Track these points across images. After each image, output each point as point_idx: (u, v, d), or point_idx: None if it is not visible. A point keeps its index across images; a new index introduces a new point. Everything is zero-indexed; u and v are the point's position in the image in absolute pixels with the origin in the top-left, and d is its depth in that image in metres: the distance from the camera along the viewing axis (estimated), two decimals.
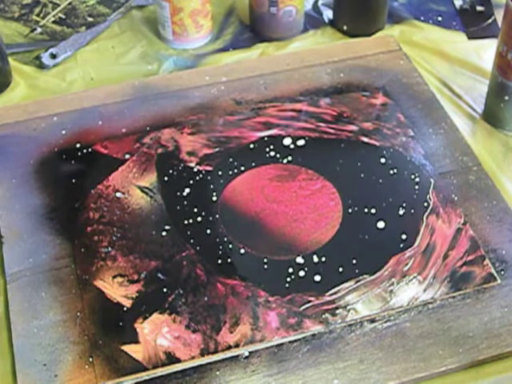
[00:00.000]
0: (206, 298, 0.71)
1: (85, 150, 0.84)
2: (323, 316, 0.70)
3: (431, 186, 0.80)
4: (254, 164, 0.83)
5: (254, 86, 0.92)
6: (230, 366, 0.67)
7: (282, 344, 0.68)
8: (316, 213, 0.78)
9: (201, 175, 0.82)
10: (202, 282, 0.72)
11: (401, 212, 0.78)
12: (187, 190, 0.80)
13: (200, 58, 0.99)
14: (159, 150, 0.84)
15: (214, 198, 0.79)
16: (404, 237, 0.76)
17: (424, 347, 0.68)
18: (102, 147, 0.84)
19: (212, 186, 0.80)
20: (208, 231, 0.76)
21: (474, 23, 1.05)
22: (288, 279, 0.73)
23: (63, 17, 1.05)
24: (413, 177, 0.81)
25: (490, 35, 1.02)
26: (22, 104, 0.91)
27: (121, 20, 1.05)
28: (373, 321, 0.70)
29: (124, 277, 0.73)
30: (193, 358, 0.67)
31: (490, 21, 1.05)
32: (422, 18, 1.05)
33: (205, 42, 1.01)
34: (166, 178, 0.81)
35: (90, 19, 1.05)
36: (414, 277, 0.73)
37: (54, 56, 0.98)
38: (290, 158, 0.83)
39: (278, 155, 0.84)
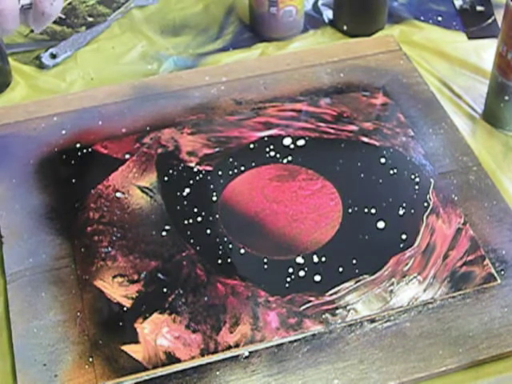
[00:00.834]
0: (206, 298, 0.71)
1: (85, 150, 0.84)
2: (323, 316, 0.70)
3: (431, 186, 0.80)
4: (253, 164, 0.83)
5: (254, 86, 0.92)
6: (230, 366, 0.67)
7: (282, 344, 0.68)
8: (316, 213, 0.78)
9: (201, 175, 0.82)
10: (202, 281, 0.72)
11: (401, 212, 0.78)
12: (187, 190, 0.80)
13: (200, 58, 0.99)
14: (159, 150, 0.84)
15: (214, 198, 0.79)
16: (404, 237, 0.76)
17: (424, 347, 0.68)
18: (101, 147, 0.84)
19: (212, 186, 0.80)
20: (208, 231, 0.76)
21: (474, 23, 1.05)
22: (288, 279, 0.72)
23: (63, 17, 1.05)
24: (413, 177, 0.81)
25: (489, 35, 1.02)
26: (21, 104, 0.91)
27: (121, 20, 1.05)
28: (373, 321, 0.70)
29: (124, 277, 0.73)
30: (193, 358, 0.67)
31: (489, 21, 1.05)
32: (422, 18, 1.05)
33: None
34: (166, 178, 0.81)
35: (90, 19, 1.05)
36: (414, 277, 0.73)
37: (54, 56, 0.98)
38: (290, 158, 0.83)
39: (278, 155, 0.83)
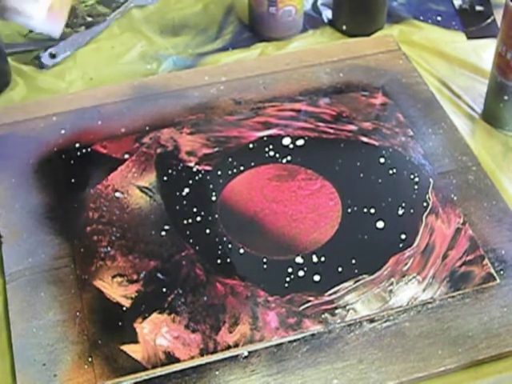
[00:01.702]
0: (205, 298, 0.71)
1: (84, 150, 0.84)
2: (322, 316, 0.70)
3: (430, 186, 0.80)
4: (253, 164, 0.83)
5: (254, 86, 0.92)
6: (230, 366, 0.67)
7: (281, 344, 0.68)
8: (315, 213, 0.78)
9: (200, 175, 0.82)
10: (202, 281, 0.72)
11: (400, 212, 0.78)
12: (186, 190, 0.80)
13: (199, 58, 0.99)
14: (158, 150, 0.84)
15: (214, 198, 0.79)
16: (403, 237, 0.76)
17: (423, 347, 0.68)
18: (101, 147, 0.84)
19: (211, 186, 0.80)
20: (207, 231, 0.76)
21: (473, 23, 1.05)
22: (287, 279, 0.72)
23: None
24: (412, 177, 0.81)
25: (489, 35, 1.02)
26: (21, 104, 0.91)
27: (120, 20, 1.05)
28: (372, 321, 0.70)
29: (123, 277, 0.73)
30: (192, 357, 0.67)
31: (489, 21, 1.05)
32: (422, 18, 1.05)
33: None
34: (165, 178, 0.81)
35: (90, 19, 1.05)
36: (414, 277, 0.73)
37: (53, 56, 0.98)
38: (289, 158, 0.83)
39: (277, 155, 0.83)
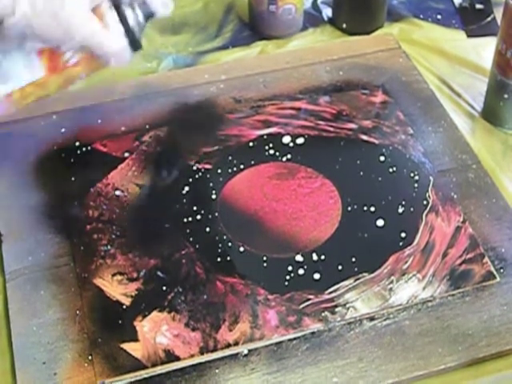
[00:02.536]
0: (205, 296, 0.71)
1: (84, 149, 0.84)
2: (322, 314, 0.70)
3: (430, 184, 0.80)
4: (253, 162, 0.83)
5: (254, 84, 0.92)
6: (230, 364, 0.67)
7: (281, 342, 0.68)
8: (315, 211, 0.78)
9: (200, 173, 0.82)
10: (202, 280, 0.72)
11: (400, 210, 0.78)
12: (186, 188, 0.80)
13: (199, 56, 0.99)
14: (158, 148, 0.84)
15: (214, 196, 0.79)
16: (403, 235, 0.76)
17: (423, 345, 0.68)
18: (101, 145, 0.84)
19: (211, 184, 0.80)
20: (207, 229, 0.76)
21: (473, 21, 1.05)
22: (287, 277, 0.72)
23: None
24: (412, 175, 0.81)
25: (489, 33, 1.02)
26: None
27: None
28: (372, 319, 0.70)
29: (123, 275, 0.73)
30: (192, 356, 0.67)
31: (489, 19, 1.05)
32: (422, 16, 1.05)
33: None
34: (165, 177, 0.81)
35: None
36: (414, 275, 0.73)
37: None
38: (289, 156, 0.83)
39: (277, 153, 0.83)
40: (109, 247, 0.75)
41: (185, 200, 0.79)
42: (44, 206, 0.79)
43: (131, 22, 0.68)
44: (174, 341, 0.68)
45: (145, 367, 0.66)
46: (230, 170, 0.82)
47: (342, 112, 0.88)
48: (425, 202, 0.78)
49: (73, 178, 0.81)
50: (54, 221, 0.78)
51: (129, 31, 0.68)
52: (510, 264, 0.74)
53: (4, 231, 0.77)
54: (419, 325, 0.69)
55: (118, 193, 0.80)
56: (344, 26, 1.02)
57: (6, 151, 0.84)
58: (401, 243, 0.75)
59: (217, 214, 0.78)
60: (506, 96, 0.86)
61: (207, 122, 0.87)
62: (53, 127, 0.86)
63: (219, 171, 0.82)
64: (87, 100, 0.89)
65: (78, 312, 0.70)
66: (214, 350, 0.67)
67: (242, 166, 0.82)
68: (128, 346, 0.68)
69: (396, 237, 0.76)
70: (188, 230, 0.76)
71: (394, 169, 0.82)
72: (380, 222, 0.77)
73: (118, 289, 0.72)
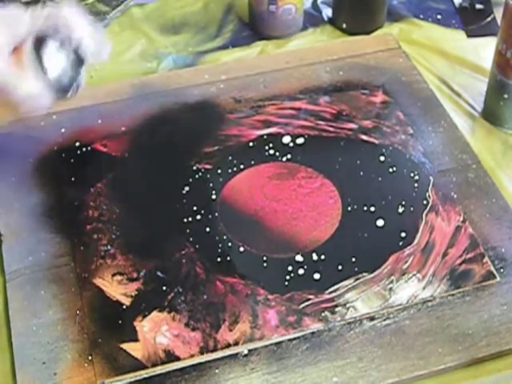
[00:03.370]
0: (205, 296, 0.71)
1: (84, 149, 0.84)
2: (322, 314, 0.70)
3: (430, 184, 0.80)
4: (253, 162, 0.83)
5: (254, 85, 0.92)
6: (230, 364, 0.67)
7: (281, 342, 0.68)
8: (315, 211, 0.78)
9: (200, 173, 0.82)
10: (202, 280, 0.72)
11: (400, 210, 0.78)
12: (186, 189, 0.80)
13: (199, 56, 0.99)
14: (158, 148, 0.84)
15: (214, 197, 0.79)
16: (403, 235, 0.76)
17: (423, 345, 0.68)
18: (101, 145, 0.84)
19: (211, 185, 0.80)
20: (207, 229, 0.76)
21: (473, 21, 1.05)
22: (287, 277, 0.72)
23: None
24: (412, 175, 0.81)
25: (489, 33, 1.02)
26: None
27: (120, 18, 1.05)
28: (372, 319, 0.70)
29: (123, 275, 0.73)
30: (192, 356, 0.67)
31: (489, 19, 1.05)
32: (422, 16, 1.05)
33: None
34: (165, 176, 0.81)
35: (89, 17, 1.05)
36: (414, 275, 0.73)
37: None
38: (289, 156, 0.83)
39: (277, 153, 0.83)
40: (109, 247, 0.75)
41: (185, 200, 0.79)
42: (44, 206, 0.79)
43: (60, 65, 0.65)
44: (174, 341, 0.68)
45: (145, 367, 0.66)
46: (229, 170, 0.82)
47: (342, 112, 0.88)
48: (425, 202, 0.79)
49: (73, 178, 0.81)
50: (54, 221, 0.78)
51: (57, 75, 0.65)
52: (510, 264, 0.74)
53: (4, 231, 0.77)
54: (419, 325, 0.69)
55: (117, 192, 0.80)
56: (344, 26, 1.02)
57: (6, 151, 0.84)
58: (401, 243, 0.75)
59: (217, 214, 0.78)
60: (505, 96, 0.86)
61: (207, 122, 0.87)
62: (53, 127, 0.86)
63: (219, 171, 0.82)
64: (87, 100, 0.89)
65: (78, 312, 0.70)
66: (214, 349, 0.68)
67: (242, 166, 0.82)
68: (128, 346, 0.68)
69: (396, 237, 0.76)
70: (188, 230, 0.76)
71: (394, 169, 0.82)
72: (380, 222, 0.77)
73: (117, 289, 0.72)
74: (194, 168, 0.82)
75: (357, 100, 0.90)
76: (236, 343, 0.68)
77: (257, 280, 0.72)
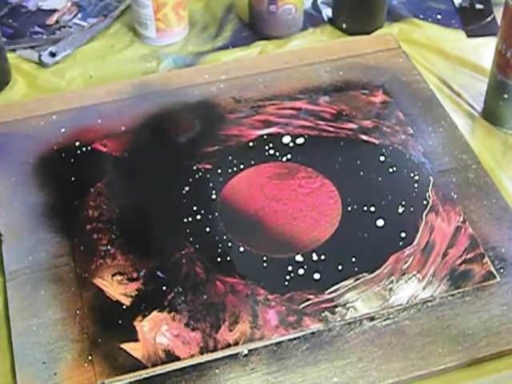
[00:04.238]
0: (205, 296, 0.71)
1: (84, 149, 0.84)
2: (322, 314, 0.70)
3: (430, 184, 0.80)
4: (253, 162, 0.83)
5: (254, 84, 0.92)
6: (230, 364, 0.67)
7: (281, 342, 0.68)
8: (315, 211, 0.78)
9: (200, 173, 0.82)
10: (202, 280, 0.72)
11: (400, 210, 0.78)
12: (186, 188, 0.80)
13: (199, 56, 0.99)
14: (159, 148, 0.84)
15: (214, 197, 0.79)
16: (403, 235, 0.76)
17: (423, 345, 0.68)
18: (101, 145, 0.84)
19: (211, 184, 0.80)
20: (207, 229, 0.76)
21: (473, 21, 1.05)
22: (287, 277, 0.72)
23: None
24: (412, 175, 0.81)
25: (489, 33, 1.02)
26: (21, 102, 0.91)
27: (120, 18, 1.05)
28: (372, 319, 0.70)
29: (123, 275, 0.73)
30: (192, 356, 0.67)
31: (489, 19, 1.05)
32: (421, 16, 1.05)
33: (185, 33, 1.01)
34: (165, 176, 0.81)
35: None
36: (414, 275, 0.73)
37: (53, 54, 0.98)
38: (289, 156, 0.83)
39: (277, 153, 0.83)
40: (109, 247, 0.75)
41: (185, 200, 0.79)
42: (44, 206, 0.79)
43: None
44: (174, 341, 0.68)
45: (145, 367, 0.66)
46: (230, 170, 0.82)
47: (341, 112, 0.88)
48: (425, 202, 0.79)
49: (73, 178, 0.81)
50: (54, 221, 0.78)
51: None
52: (510, 264, 0.74)
53: (4, 231, 0.77)
54: (419, 325, 0.69)
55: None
56: (344, 26, 1.02)
57: (6, 151, 0.84)
58: (401, 243, 0.75)
59: (217, 214, 0.78)
60: (506, 96, 0.86)
61: (207, 122, 0.87)
62: (53, 127, 0.86)
63: (219, 171, 0.82)
64: (87, 100, 0.89)
65: (77, 312, 0.70)
66: (214, 349, 0.67)
67: (242, 166, 0.82)
68: (128, 346, 0.68)
69: (396, 237, 0.76)
70: (188, 230, 0.76)
71: (394, 169, 0.82)
72: (380, 222, 0.77)
73: (117, 289, 0.72)
74: (194, 168, 0.82)
75: (357, 100, 0.90)
76: (236, 343, 0.68)
77: (257, 280, 0.72)
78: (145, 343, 0.68)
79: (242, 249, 0.75)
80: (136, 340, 0.68)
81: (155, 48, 1.00)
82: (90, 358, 0.67)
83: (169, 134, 0.86)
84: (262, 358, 0.67)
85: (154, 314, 0.70)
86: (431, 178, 0.81)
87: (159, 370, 0.67)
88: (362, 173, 0.82)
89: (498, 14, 1.00)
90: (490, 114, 0.90)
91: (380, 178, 0.81)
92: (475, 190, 0.80)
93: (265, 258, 0.74)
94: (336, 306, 0.70)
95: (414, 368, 0.67)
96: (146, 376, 0.66)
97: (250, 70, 0.94)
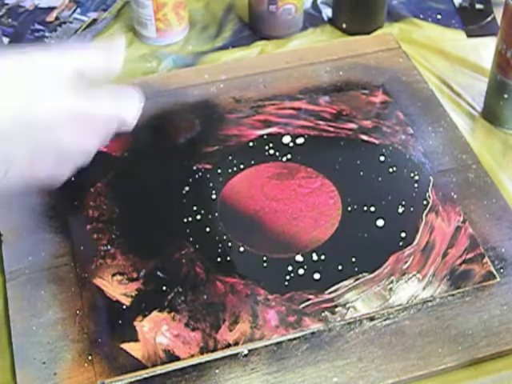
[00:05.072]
0: (205, 296, 0.71)
1: None
2: (322, 314, 0.70)
3: (430, 184, 0.80)
4: (253, 162, 0.83)
5: (254, 84, 0.92)
6: (230, 364, 0.67)
7: (281, 342, 0.68)
8: (315, 211, 0.78)
9: (200, 173, 0.82)
10: (202, 280, 0.72)
11: (400, 210, 0.78)
12: (186, 188, 0.80)
13: (199, 56, 0.99)
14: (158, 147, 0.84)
15: (214, 196, 0.79)
16: (403, 235, 0.76)
17: (423, 345, 0.68)
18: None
19: (211, 184, 0.80)
20: (207, 229, 0.76)
21: (473, 21, 1.05)
22: (287, 277, 0.72)
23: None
24: (412, 175, 0.81)
25: (489, 33, 1.02)
26: None
27: (120, 18, 1.05)
28: (372, 319, 0.70)
29: (123, 275, 0.73)
30: (192, 356, 0.67)
31: (489, 19, 1.05)
32: (421, 16, 1.05)
33: (185, 33, 1.01)
34: (165, 176, 0.81)
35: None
36: (414, 275, 0.73)
37: None
38: (289, 156, 0.83)
39: (277, 153, 0.83)
40: (109, 247, 0.75)
41: (185, 200, 0.79)
42: (44, 206, 0.79)
43: None
44: (174, 341, 0.68)
45: (145, 367, 0.66)
46: (230, 170, 0.82)
47: (342, 112, 0.88)
48: (425, 202, 0.78)
49: (73, 178, 0.81)
50: (54, 221, 0.78)
51: None
52: (510, 264, 0.74)
53: (4, 231, 0.77)
54: (419, 325, 0.69)
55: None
56: (344, 26, 1.02)
57: None
58: (401, 243, 0.75)
59: (217, 214, 0.78)
60: (505, 96, 0.86)
61: (207, 122, 0.87)
62: None
63: (219, 171, 0.82)
64: None
65: (78, 312, 0.70)
66: (214, 350, 0.67)
67: (242, 166, 0.82)
68: (128, 346, 0.68)
69: (396, 237, 0.76)
70: (188, 230, 0.76)
71: (394, 169, 0.82)
72: (380, 222, 0.77)
73: (117, 289, 0.72)
74: (194, 168, 0.82)
75: (357, 100, 0.90)
76: (236, 343, 0.68)
77: (257, 280, 0.72)
78: (145, 343, 0.68)
79: (242, 249, 0.75)
80: (136, 340, 0.68)
81: (155, 48, 1.00)
82: (89, 357, 0.67)
83: (169, 133, 0.86)
84: (261, 358, 0.67)
85: (154, 314, 0.70)
86: (431, 178, 0.81)
87: (159, 369, 0.66)
88: (362, 173, 0.82)
89: (498, 14, 1.00)
90: (490, 114, 0.90)
91: (380, 178, 0.81)
92: (475, 190, 0.80)
93: (265, 258, 0.74)
94: (336, 306, 0.70)
95: (414, 368, 0.67)
96: (146, 376, 0.66)
97: (250, 70, 0.94)
